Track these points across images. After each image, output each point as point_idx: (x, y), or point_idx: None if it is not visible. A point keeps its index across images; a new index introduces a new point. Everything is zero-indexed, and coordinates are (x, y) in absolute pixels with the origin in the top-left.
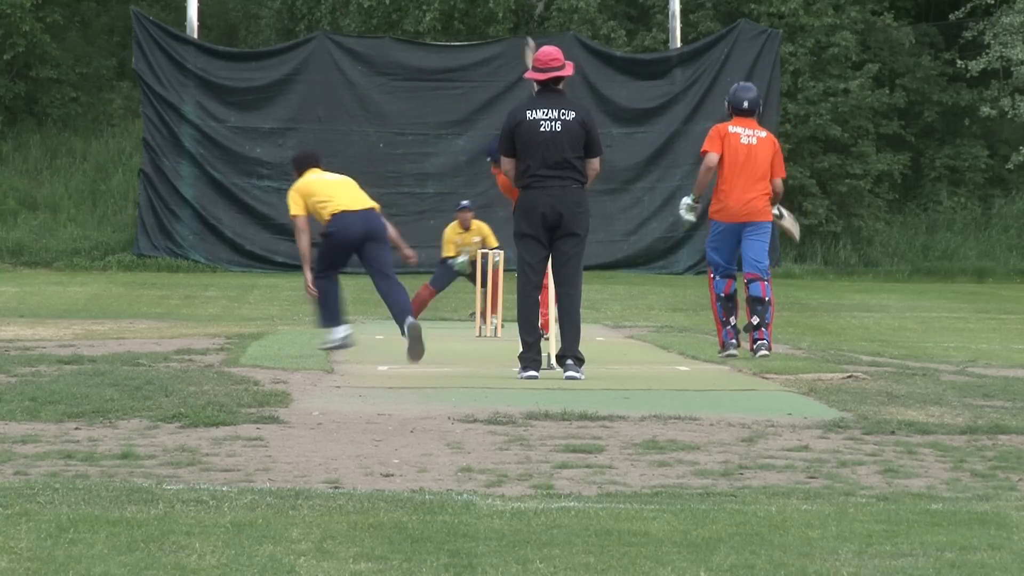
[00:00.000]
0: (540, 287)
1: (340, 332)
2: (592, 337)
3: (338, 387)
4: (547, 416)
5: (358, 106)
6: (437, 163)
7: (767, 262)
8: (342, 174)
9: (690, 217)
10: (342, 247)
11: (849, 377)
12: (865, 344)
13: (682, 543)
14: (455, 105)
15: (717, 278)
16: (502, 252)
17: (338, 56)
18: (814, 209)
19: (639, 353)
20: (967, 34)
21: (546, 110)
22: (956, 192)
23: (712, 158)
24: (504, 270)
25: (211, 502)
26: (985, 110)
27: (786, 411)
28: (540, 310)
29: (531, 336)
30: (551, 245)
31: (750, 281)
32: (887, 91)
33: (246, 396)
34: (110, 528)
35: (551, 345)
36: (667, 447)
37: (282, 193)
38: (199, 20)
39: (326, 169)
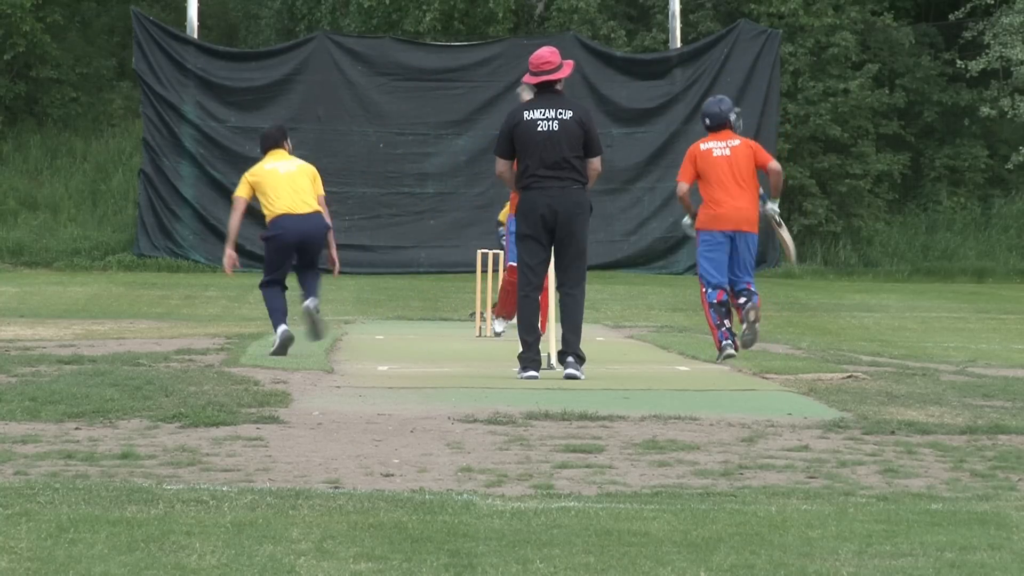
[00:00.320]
0: (540, 288)
1: (276, 334)
2: (592, 337)
3: (338, 387)
4: (547, 416)
5: (358, 106)
6: (437, 163)
7: (753, 274)
8: (342, 172)
9: (692, 234)
10: (282, 249)
11: (849, 377)
12: (865, 344)
13: (682, 543)
14: (455, 105)
15: (708, 290)
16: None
17: (338, 56)
18: (814, 209)
19: (639, 353)
20: (967, 34)
21: (543, 110)
22: (956, 192)
23: (682, 187)
24: (505, 270)
25: (211, 502)
26: (985, 110)
27: (786, 411)
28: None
29: (531, 336)
30: (552, 246)
31: (735, 285)
32: (887, 91)
33: (246, 396)
34: (110, 528)
35: (551, 345)
36: (667, 447)
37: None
38: (199, 20)
39: (296, 152)
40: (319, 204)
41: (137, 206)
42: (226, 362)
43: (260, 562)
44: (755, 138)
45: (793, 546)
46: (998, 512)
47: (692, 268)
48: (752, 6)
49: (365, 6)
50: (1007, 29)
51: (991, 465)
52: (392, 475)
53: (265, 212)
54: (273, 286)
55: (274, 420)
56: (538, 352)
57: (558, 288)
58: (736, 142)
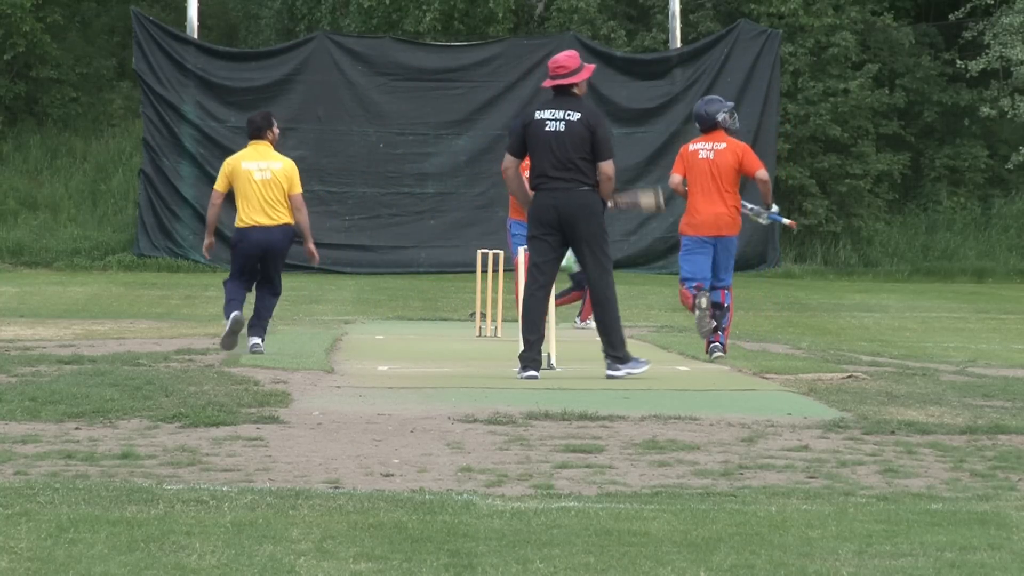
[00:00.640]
0: (546, 287)
1: (227, 320)
2: (592, 337)
3: (338, 387)
4: (547, 416)
5: (358, 106)
6: (437, 163)
7: (731, 277)
8: (342, 172)
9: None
10: (245, 257)
11: (849, 377)
12: (865, 344)
13: (682, 543)
14: (455, 105)
15: (687, 287)
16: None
17: (338, 56)
18: (814, 209)
19: (639, 353)
20: (967, 34)
21: (553, 111)
22: (956, 192)
23: (674, 178)
24: (505, 270)
25: (211, 502)
26: (985, 110)
27: (786, 411)
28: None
29: (533, 335)
30: (563, 246)
31: (711, 289)
32: (887, 91)
33: (246, 396)
34: (110, 528)
35: (551, 345)
36: (667, 447)
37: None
38: (199, 20)
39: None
40: (294, 206)
41: (137, 206)
42: (226, 362)
43: (260, 562)
44: (755, 138)
45: (793, 546)
46: (998, 512)
47: None
48: (752, 6)
49: (365, 6)
50: (1007, 29)
51: (991, 465)
52: (392, 475)
53: (236, 214)
54: (236, 282)
55: (274, 420)
56: (539, 352)
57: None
58: (722, 145)
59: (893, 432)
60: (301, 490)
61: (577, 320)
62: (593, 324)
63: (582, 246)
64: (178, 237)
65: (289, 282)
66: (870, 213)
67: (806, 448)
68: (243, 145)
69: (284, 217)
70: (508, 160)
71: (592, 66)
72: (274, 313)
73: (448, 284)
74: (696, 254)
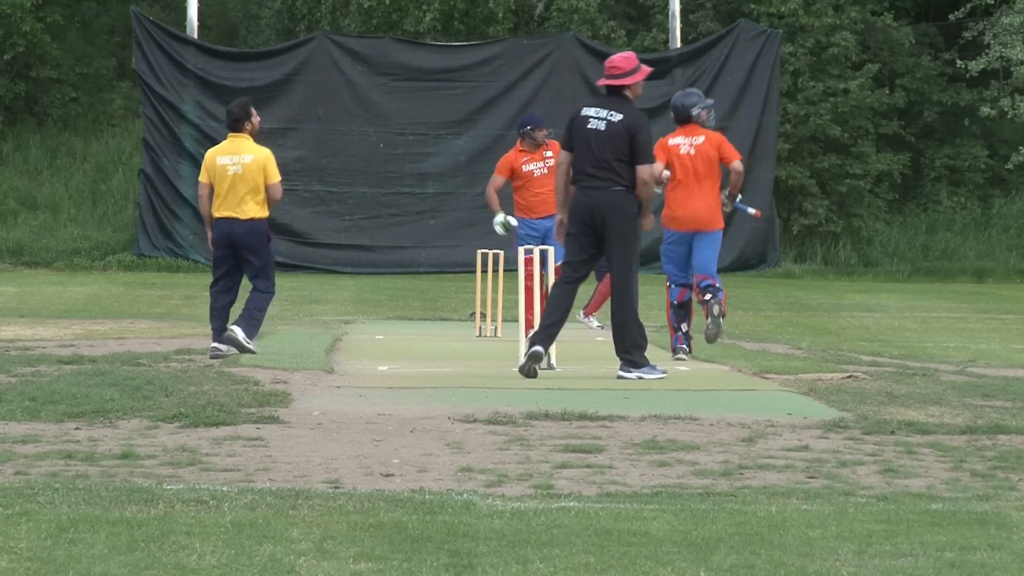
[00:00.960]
0: (575, 283)
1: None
2: (592, 337)
3: (338, 387)
4: (547, 416)
5: (358, 106)
6: (437, 163)
7: (715, 269)
8: (342, 172)
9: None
10: (216, 250)
11: (849, 377)
12: (865, 344)
13: (682, 543)
14: (455, 105)
15: (672, 286)
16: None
17: (338, 56)
18: (814, 209)
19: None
20: (967, 34)
21: (598, 109)
22: (956, 192)
23: (657, 167)
24: (505, 270)
25: (211, 502)
26: (985, 110)
27: (786, 411)
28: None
29: (548, 319)
30: (598, 245)
31: (700, 280)
32: (887, 91)
33: (246, 396)
34: (110, 528)
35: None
36: (667, 447)
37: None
38: (199, 20)
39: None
40: (271, 196)
41: (137, 206)
42: (226, 362)
43: (260, 562)
44: (755, 138)
45: (793, 546)
46: (998, 512)
47: None
48: (752, 6)
49: (365, 6)
50: (1007, 29)
51: (991, 465)
52: (392, 475)
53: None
54: (215, 287)
55: (274, 420)
56: (548, 337)
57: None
58: (700, 139)
59: (893, 432)
60: (301, 490)
61: (580, 314)
62: (595, 322)
63: (611, 246)
64: (178, 237)
65: (289, 282)
66: (870, 213)
67: (806, 448)
68: None
69: (251, 211)
70: (561, 155)
71: (648, 68)
72: (268, 312)
73: (448, 284)
74: (676, 248)
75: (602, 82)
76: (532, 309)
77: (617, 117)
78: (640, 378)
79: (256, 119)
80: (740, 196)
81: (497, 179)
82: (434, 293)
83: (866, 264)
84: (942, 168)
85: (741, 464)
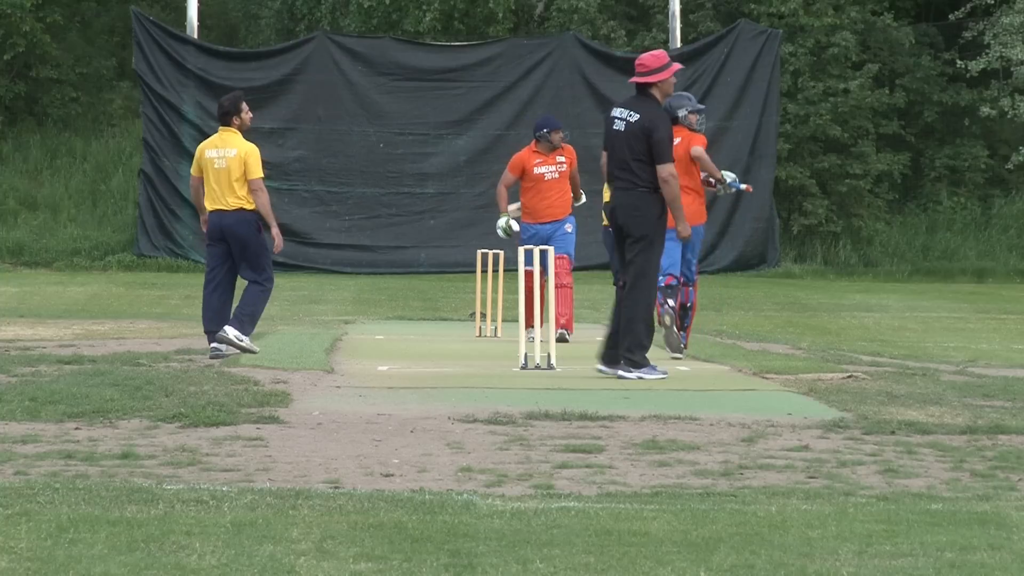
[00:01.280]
0: (623, 284)
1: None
2: (592, 337)
3: (338, 387)
4: (547, 416)
5: (358, 106)
6: (437, 163)
7: (694, 264)
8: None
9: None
10: (209, 242)
11: (849, 377)
12: (865, 344)
13: (682, 543)
14: (455, 105)
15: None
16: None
17: (338, 56)
18: (814, 209)
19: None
20: (967, 34)
21: (622, 110)
22: (956, 192)
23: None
24: (506, 270)
25: (211, 502)
26: (985, 110)
27: (786, 411)
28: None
29: (611, 328)
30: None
31: (681, 285)
32: (887, 91)
33: (246, 396)
34: (110, 528)
35: (550, 345)
36: (667, 447)
37: (282, 193)
38: (199, 20)
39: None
40: (251, 190)
41: (137, 206)
42: (226, 362)
43: (260, 562)
44: (755, 138)
45: (793, 546)
46: (998, 512)
47: None
48: (752, 6)
49: (365, 6)
50: (1007, 29)
51: (991, 465)
52: (392, 475)
53: None
54: (207, 287)
55: (274, 420)
56: (614, 345)
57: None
58: (677, 140)
59: (893, 432)
60: (301, 490)
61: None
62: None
63: (628, 246)
64: (178, 237)
65: (289, 282)
66: (870, 213)
67: (806, 448)
68: None
69: (238, 203)
70: (603, 156)
71: (677, 65)
72: (269, 311)
73: (448, 284)
74: (671, 244)
75: (632, 80)
76: (532, 309)
77: (635, 117)
78: (640, 378)
79: (247, 115)
80: (729, 175)
81: (508, 176)
82: (434, 293)
83: (866, 264)
84: (942, 168)
85: (741, 464)
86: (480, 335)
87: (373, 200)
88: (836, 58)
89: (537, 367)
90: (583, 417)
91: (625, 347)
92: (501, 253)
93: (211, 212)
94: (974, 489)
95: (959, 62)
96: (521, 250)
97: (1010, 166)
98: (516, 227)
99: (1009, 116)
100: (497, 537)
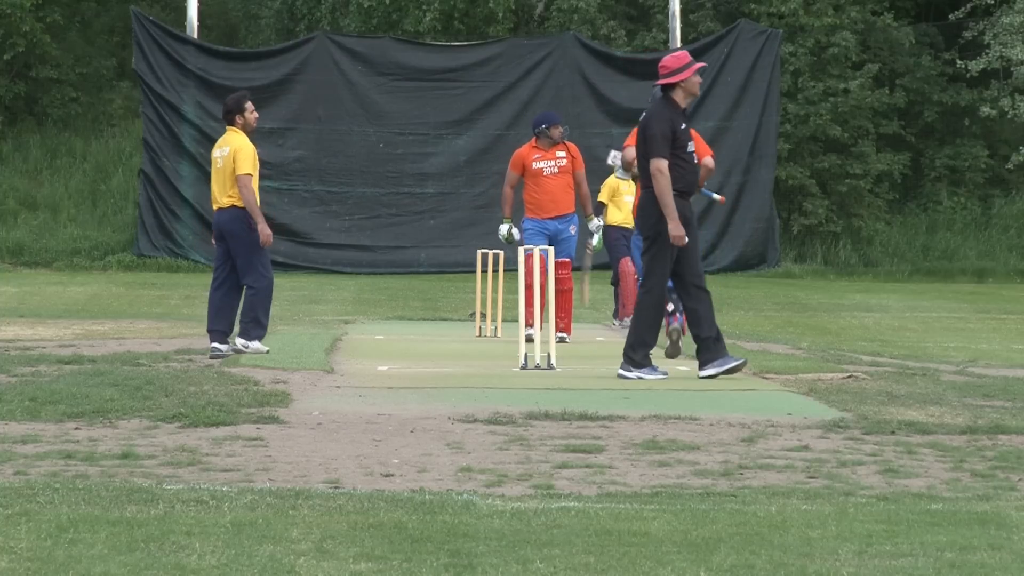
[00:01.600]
0: (675, 290)
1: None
2: (592, 337)
3: (338, 387)
4: (547, 416)
5: (358, 106)
6: (437, 163)
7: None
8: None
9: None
10: (217, 244)
11: (849, 377)
12: (865, 344)
13: (682, 543)
14: (455, 105)
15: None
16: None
17: (338, 56)
18: (814, 209)
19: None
20: (967, 34)
21: (644, 113)
22: (956, 192)
23: (631, 151)
24: (506, 270)
25: (211, 502)
26: (985, 110)
27: (786, 411)
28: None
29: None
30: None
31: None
32: (887, 91)
33: (246, 396)
34: (110, 528)
35: (551, 345)
36: (667, 447)
37: (282, 193)
38: (199, 20)
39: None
40: (237, 186)
41: (137, 206)
42: (226, 362)
43: (260, 562)
44: (755, 138)
45: (793, 546)
46: (998, 512)
47: None
48: (752, 6)
49: (365, 6)
50: (1007, 29)
51: (991, 465)
52: (392, 475)
53: None
54: (212, 285)
55: (274, 420)
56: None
57: None
58: None
59: (893, 432)
60: (301, 490)
61: (615, 322)
62: (627, 323)
63: (643, 246)
64: (178, 237)
65: (289, 282)
66: (870, 213)
67: (806, 448)
68: None
69: (230, 200)
70: None
71: (699, 64)
72: (275, 312)
73: (448, 284)
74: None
75: (655, 84)
76: (532, 308)
77: (642, 116)
78: (640, 378)
79: (251, 114)
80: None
81: (511, 175)
82: (434, 293)
83: (866, 264)
84: (942, 168)
85: (741, 464)
86: (480, 335)
87: (373, 200)
88: (836, 58)
89: (537, 367)
90: (583, 417)
91: (627, 344)
92: (501, 253)
93: (215, 211)
94: (974, 489)
95: (959, 62)
96: (521, 250)
97: (1010, 166)
98: (518, 235)
99: (1009, 116)
100: (497, 537)
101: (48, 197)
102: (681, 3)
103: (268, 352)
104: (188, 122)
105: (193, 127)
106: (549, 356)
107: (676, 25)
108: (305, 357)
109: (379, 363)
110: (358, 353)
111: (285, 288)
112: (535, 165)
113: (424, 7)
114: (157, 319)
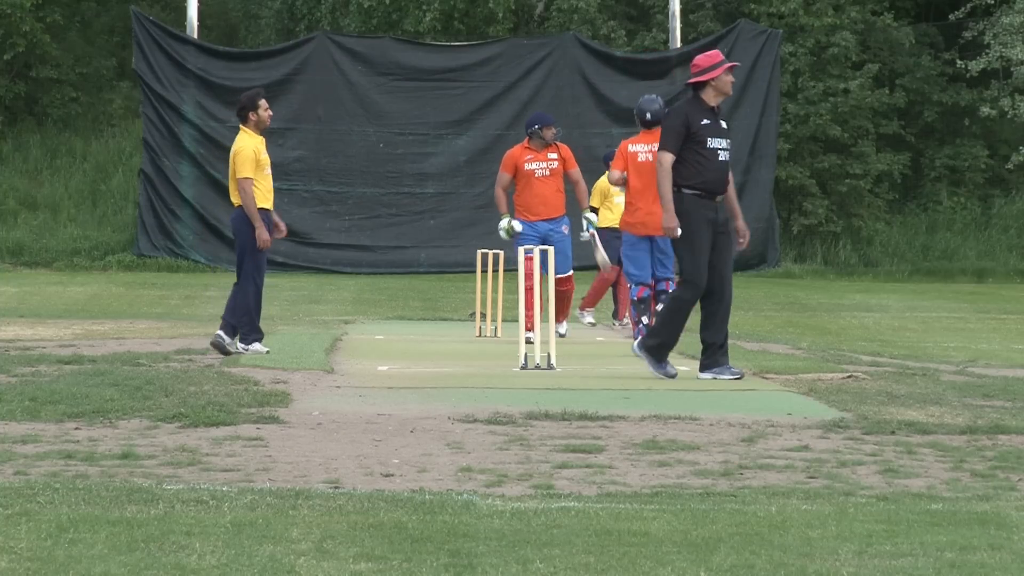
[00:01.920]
0: (703, 295)
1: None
2: (592, 337)
3: (338, 387)
4: (547, 416)
5: (358, 106)
6: (437, 163)
7: (672, 272)
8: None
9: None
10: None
11: (849, 377)
12: (865, 344)
13: (682, 543)
14: (455, 105)
15: (632, 286)
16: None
17: (338, 56)
18: (814, 209)
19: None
20: (967, 34)
21: None
22: (956, 192)
23: (614, 175)
24: (506, 270)
25: (211, 502)
26: (985, 110)
27: (786, 411)
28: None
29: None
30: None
31: (659, 281)
32: (887, 91)
33: (246, 396)
34: (110, 528)
35: (551, 345)
36: (667, 447)
37: (282, 193)
38: (199, 20)
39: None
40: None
41: (137, 206)
42: (226, 362)
43: (260, 562)
44: (755, 138)
45: (793, 546)
46: (998, 512)
47: None
48: (752, 6)
49: (365, 6)
50: (1007, 29)
51: (991, 465)
52: (392, 475)
53: None
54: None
55: (274, 420)
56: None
57: None
58: (656, 145)
59: (893, 432)
60: (301, 490)
61: (615, 323)
62: (589, 318)
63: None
64: (178, 237)
65: (289, 282)
66: (870, 213)
67: (806, 448)
68: None
69: (235, 200)
70: None
71: (729, 64)
72: (268, 311)
73: (448, 284)
74: (639, 251)
75: (686, 83)
76: (532, 309)
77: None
78: (651, 372)
79: (265, 111)
80: None
81: (503, 177)
82: (434, 293)
83: (866, 264)
84: (942, 168)
85: (741, 464)
86: (480, 335)
87: (373, 200)
88: (836, 58)
89: (537, 367)
90: (583, 417)
91: (650, 331)
92: (501, 253)
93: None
94: (974, 489)
95: (959, 62)
96: (521, 250)
97: (1010, 166)
98: (519, 227)
99: (1009, 116)
100: (497, 537)
101: (48, 197)
102: (681, 3)
103: (268, 352)
104: (188, 122)
105: (193, 127)
106: (549, 356)
107: (676, 25)
108: (305, 357)
109: (379, 363)
110: (358, 353)
111: (285, 288)
112: (527, 167)
113: (424, 7)
114: (157, 319)
